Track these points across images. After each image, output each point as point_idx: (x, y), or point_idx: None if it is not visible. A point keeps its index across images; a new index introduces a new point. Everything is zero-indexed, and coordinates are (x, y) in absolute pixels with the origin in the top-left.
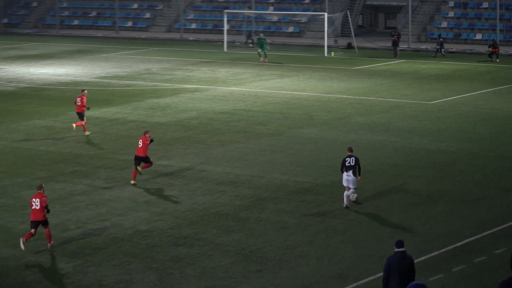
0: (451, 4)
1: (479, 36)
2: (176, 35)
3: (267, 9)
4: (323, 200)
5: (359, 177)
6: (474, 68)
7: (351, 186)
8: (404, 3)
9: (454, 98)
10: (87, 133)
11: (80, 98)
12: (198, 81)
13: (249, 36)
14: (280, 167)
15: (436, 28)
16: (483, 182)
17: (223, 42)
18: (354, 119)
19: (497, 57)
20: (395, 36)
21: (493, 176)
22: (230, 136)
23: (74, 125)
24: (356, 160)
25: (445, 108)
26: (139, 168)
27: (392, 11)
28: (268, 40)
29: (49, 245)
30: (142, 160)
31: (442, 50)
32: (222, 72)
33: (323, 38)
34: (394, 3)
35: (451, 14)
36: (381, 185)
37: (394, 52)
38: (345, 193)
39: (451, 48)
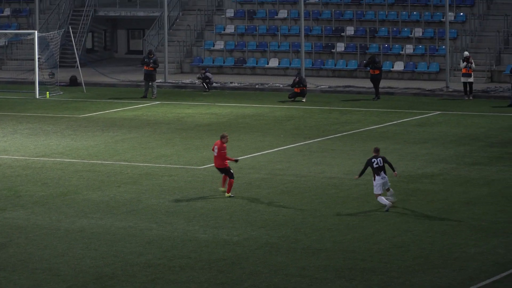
0: (230, 13)
1: (273, 63)
2: None
3: None
4: None
5: (395, 173)
6: (268, 113)
7: (388, 186)
8: (157, 14)
9: (241, 158)
10: None
11: None
12: None
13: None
14: None
15: (208, 51)
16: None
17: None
18: (84, 195)
19: (303, 96)
20: (150, 65)
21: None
22: None
23: None
24: (384, 158)
25: (220, 175)
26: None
27: (139, 27)
28: None
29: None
30: (223, 172)
31: (207, 84)
32: None
33: (32, 70)
34: (141, 14)
35: (229, 29)
36: None
37: (145, 89)
38: (381, 197)
39: (232, 83)
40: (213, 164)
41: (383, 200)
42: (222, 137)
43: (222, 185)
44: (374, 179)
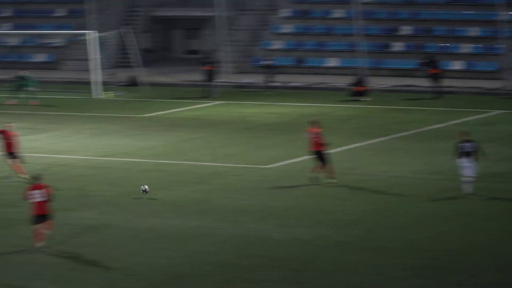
0: (285, 13)
1: (332, 62)
2: None
3: None
4: None
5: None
6: (330, 112)
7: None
8: (212, 14)
9: (302, 159)
10: None
11: None
12: None
13: None
14: (46, 272)
15: (266, 51)
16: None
17: None
18: (152, 195)
19: (364, 95)
20: (210, 65)
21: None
22: None
23: None
24: (476, 145)
25: (288, 173)
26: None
27: (195, 27)
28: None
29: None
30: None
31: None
32: None
33: (91, 70)
34: (198, 13)
35: (286, 28)
36: None
37: (207, 89)
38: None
39: (292, 82)
40: (279, 163)
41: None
42: (315, 122)
43: (313, 172)
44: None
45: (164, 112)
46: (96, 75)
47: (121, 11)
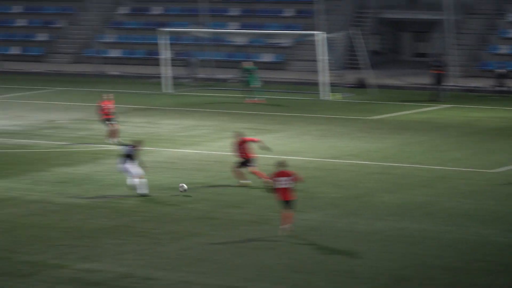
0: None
1: None
2: (89, 67)
3: (227, 26)
4: None
5: None
6: None
7: None
8: (440, 17)
9: None
10: None
11: None
12: (130, 140)
13: (191, 66)
14: (271, 274)
15: (493, 55)
16: None
17: (161, 77)
18: (378, 197)
19: None
20: (439, 68)
21: None
22: (187, 225)
23: None
24: None
25: None
26: None
27: (424, 29)
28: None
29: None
30: None
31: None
32: (166, 125)
33: (317, 71)
34: (426, 17)
35: None
36: None
37: (435, 92)
38: None
39: None
40: (505, 168)
41: None
42: None
43: None
44: None
45: (392, 114)
46: (324, 76)
47: (349, 12)
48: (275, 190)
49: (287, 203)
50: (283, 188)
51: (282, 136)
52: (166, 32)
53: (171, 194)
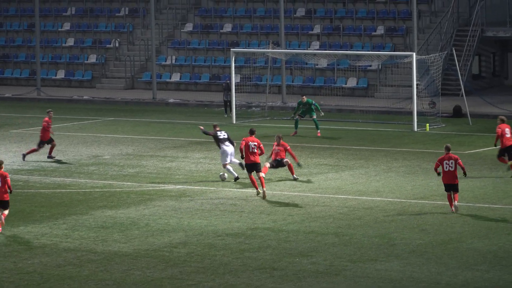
0: None
1: None
2: (145, 94)
3: (307, 47)
4: None
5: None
6: None
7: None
8: None
9: None
10: None
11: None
12: (187, 178)
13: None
14: None
15: None
16: None
17: (227, 105)
18: (467, 243)
19: None
20: None
21: None
22: (246, 277)
23: None
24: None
25: None
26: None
27: None
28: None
29: None
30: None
31: None
32: None
33: (409, 98)
34: None
35: None
36: None
37: None
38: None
39: None
40: None
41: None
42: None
43: None
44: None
45: (490, 148)
46: (416, 104)
47: (447, 30)
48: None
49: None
50: (448, 171)
51: (362, 173)
52: (237, 52)
53: (229, 241)
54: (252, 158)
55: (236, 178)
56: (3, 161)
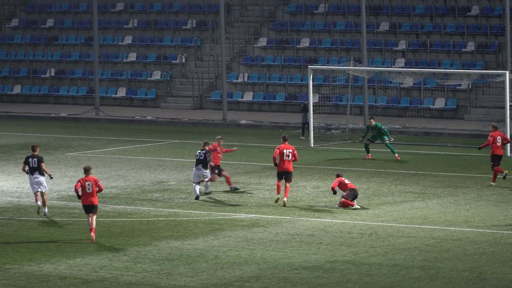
0: None
1: None
2: (214, 115)
3: (391, 64)
4: None
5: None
6: None
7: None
8: None
9: None
10: None
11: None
12: (260, 207)
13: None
14: None
15: None
16: None
17: (305, 128)
18: None
19: None
20: None
21: None
22: None
23: None
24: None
25: None
26: None
27: None
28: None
29: None
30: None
31: None
32: (306, 187)
33: (501, 121)
34: None
35: None
36: None
37: None
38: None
39: None
40: None
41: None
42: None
43: None
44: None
45: None
46: (508, 127)
47: None
48: None
49: None
50: None
51: (451, 202)
52: (315, 69)
53: (306, 275)
54: (285, 166)
55: (197, 197)
56: (91, 167)
